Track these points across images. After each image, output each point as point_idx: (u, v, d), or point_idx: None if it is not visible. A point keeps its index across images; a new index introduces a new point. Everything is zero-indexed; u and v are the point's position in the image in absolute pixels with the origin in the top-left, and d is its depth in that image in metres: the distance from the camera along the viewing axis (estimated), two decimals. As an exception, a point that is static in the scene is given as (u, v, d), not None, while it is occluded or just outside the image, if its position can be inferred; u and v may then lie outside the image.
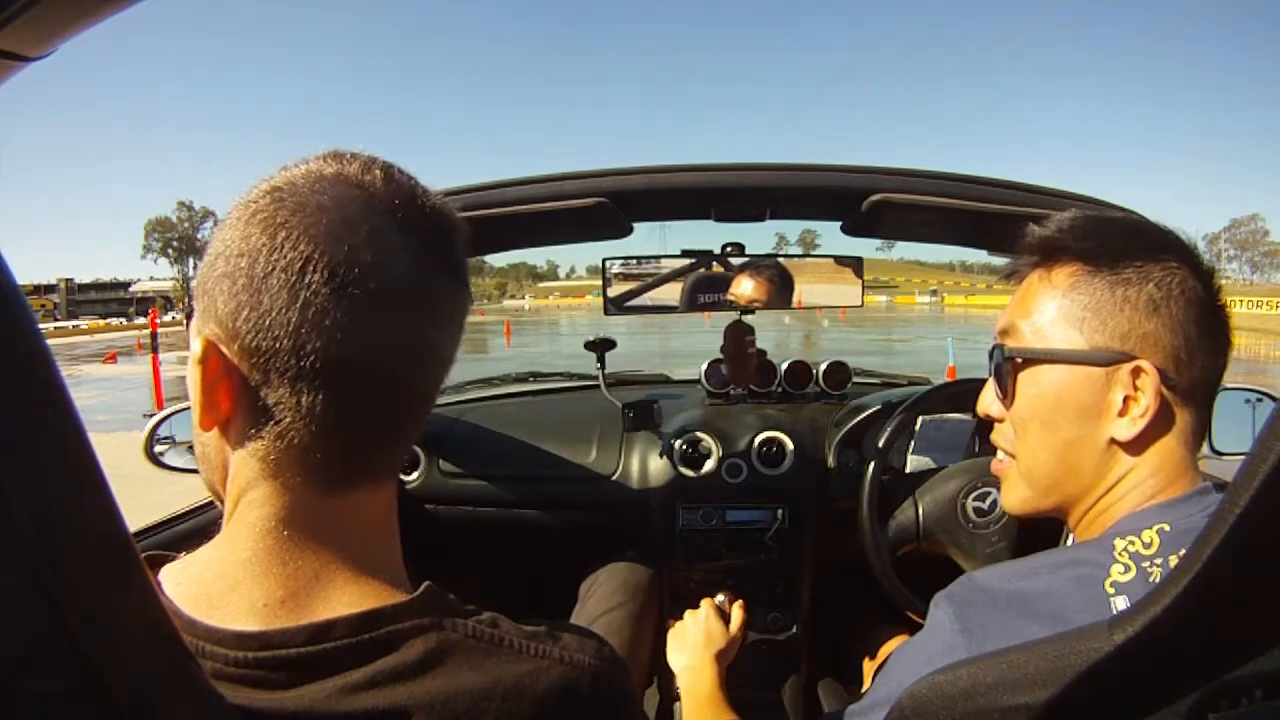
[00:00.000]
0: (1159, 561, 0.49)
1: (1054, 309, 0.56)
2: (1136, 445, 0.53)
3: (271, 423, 0.37)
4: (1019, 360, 0.58)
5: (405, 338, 0.40)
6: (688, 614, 1.11)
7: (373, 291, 0.37)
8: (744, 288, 1.24)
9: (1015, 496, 0.61)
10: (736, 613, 1.10)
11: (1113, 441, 0.54)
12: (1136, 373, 0.52)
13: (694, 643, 1.04)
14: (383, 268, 0.38)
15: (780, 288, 1.24)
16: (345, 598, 0.39)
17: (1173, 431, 0.53)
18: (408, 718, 0.35)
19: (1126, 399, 0.53)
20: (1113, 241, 0.56)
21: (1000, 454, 0.64)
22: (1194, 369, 0.53)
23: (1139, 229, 0.58)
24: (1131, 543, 0.50)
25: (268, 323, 0.36)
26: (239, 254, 0.37)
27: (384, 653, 0.37)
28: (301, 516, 0.39)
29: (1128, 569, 0.49)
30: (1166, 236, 0.56)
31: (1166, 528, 0.50)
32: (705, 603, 1.11)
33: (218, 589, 0.38)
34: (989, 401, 0.63)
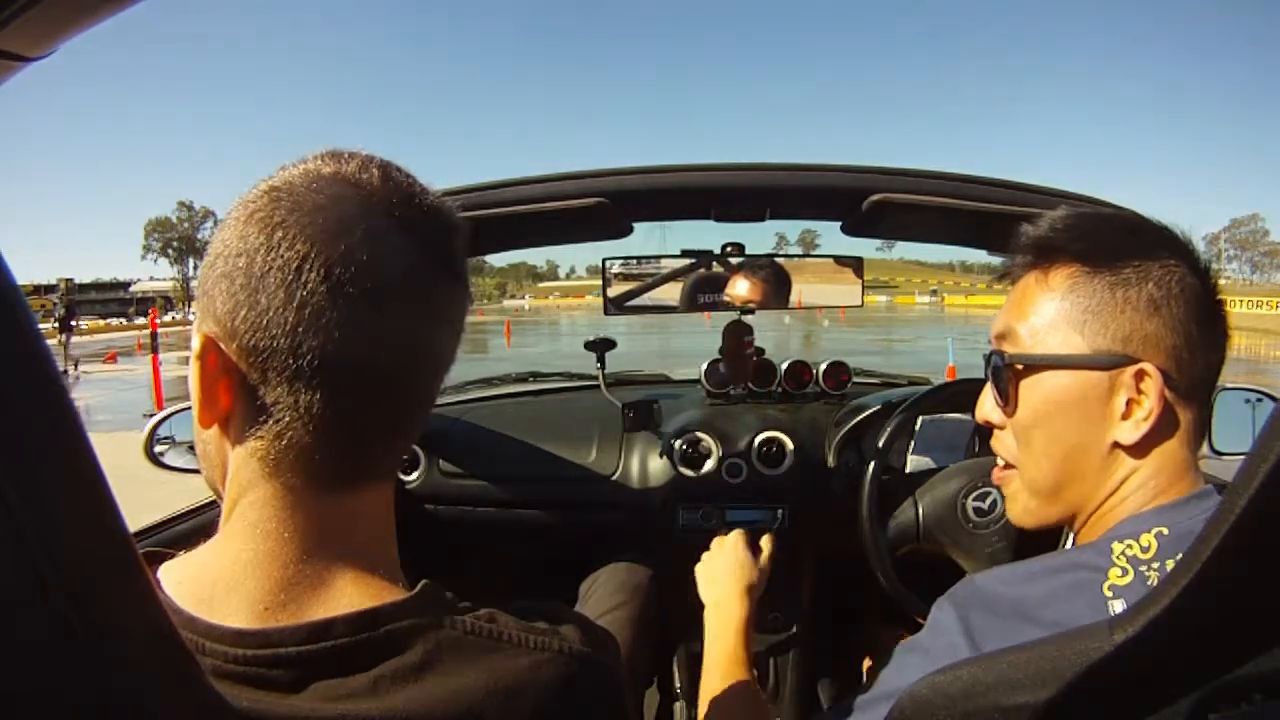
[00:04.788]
0: (1156, 566, 0.48)
1: (1053, 311, 0.55)
2: (1140, 448, 0.53)
3: (271, 422, 0.37)
4: (1020, 366, 0.57)
5: (403, 337, 0.40)
6: (715, 541, 1.06)
7: (369, 290, 0.37)
8: (743, 287, 1.24)
9: (1020, 507, 0.60)
10: (766, 544, 1.07)
11: (1116, 445, 0.53)
12: (1140, 376, 0.52)
13: (724, 572, 0.98)
14: (379, 267, 0.38)
15: (780, 288, 1.24)
16: (345, 599, 0.39)
17: (1175, 432, 0.53)
18: None
19: (1130, 402, 0.52)
20: (1110, 241, 0.55)
21: (1000, 462, 0.63)
22: (1195, 367, 0.52)
23: (1135, 227, 0.57)
24: (1129, 546, 0.50)
25: (265, 322, 0.36)
26: (237, 254, 0.37)
27: (384, 653, 0.37)
28: (301, 518, 0.39)
29: (1125, 572, 0.49)
30: (1162, 233, 0.56)
31: (1165, 531, 0.50)
32: (736, 532, 1.06)
33: (218, 590, 0.38)
34: (989, 409, 0.62)
